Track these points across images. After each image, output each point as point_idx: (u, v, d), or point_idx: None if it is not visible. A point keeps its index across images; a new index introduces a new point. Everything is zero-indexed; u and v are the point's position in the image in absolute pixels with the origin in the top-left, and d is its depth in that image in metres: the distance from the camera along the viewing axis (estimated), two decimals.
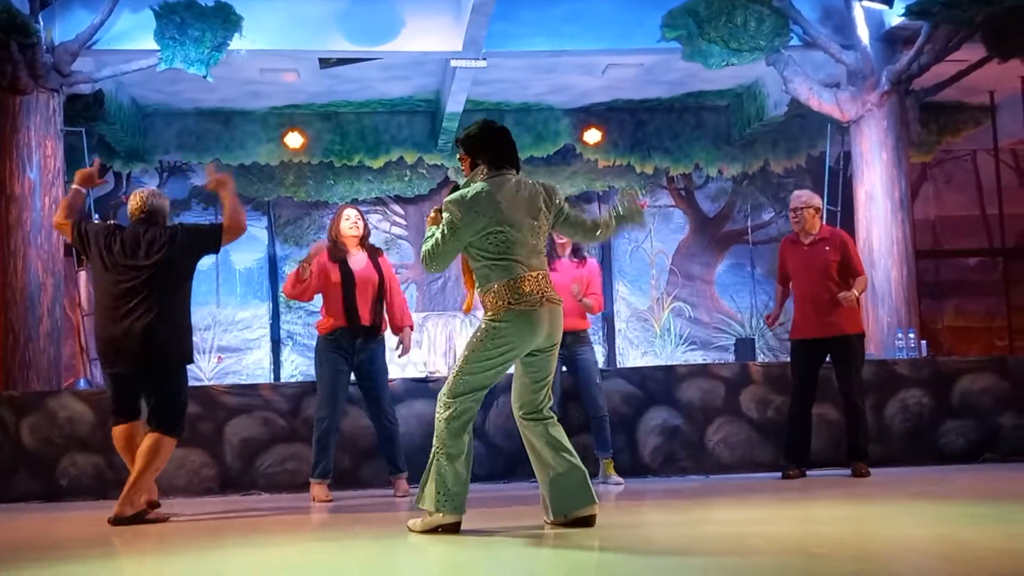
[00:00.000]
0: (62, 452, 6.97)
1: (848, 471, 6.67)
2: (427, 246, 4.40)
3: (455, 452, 4.35)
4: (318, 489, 6.31)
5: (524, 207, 4.38)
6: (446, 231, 4.33)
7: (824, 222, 7.19)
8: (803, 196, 6.96)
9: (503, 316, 4.29)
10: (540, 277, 4.36)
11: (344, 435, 6.85)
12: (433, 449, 4.39)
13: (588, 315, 6.89)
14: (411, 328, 6.70)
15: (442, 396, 4.41)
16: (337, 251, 6.48)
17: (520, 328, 4.29)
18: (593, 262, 6.99)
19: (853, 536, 3.99)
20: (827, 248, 6.79)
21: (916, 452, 7.40)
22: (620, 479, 6.74)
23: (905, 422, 7.47)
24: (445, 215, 4.34)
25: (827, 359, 6.83)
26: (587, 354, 6.80)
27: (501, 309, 4.29)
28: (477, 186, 4.35)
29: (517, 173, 4.48)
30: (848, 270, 6.80)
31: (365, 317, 6.41)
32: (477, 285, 4.42)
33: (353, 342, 6.39)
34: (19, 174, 8.84)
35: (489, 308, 4.34)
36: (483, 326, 4.35)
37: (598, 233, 4.65)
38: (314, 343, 6.69)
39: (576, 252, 6.90)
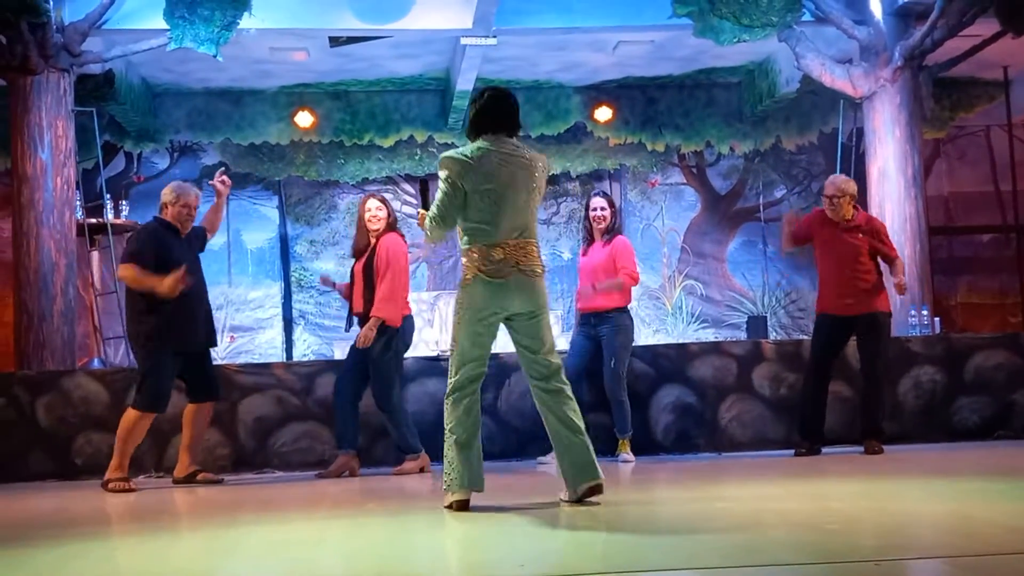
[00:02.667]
0: (77, 431, 7.01)
1: (860, 448, 6.66)
2: (431, 212, 4.44)
3: (459, 431, 4.39)
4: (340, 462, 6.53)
5: (517, 173, 4.42)
6: (445, 188, 4.38)
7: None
8: (838, 183, 6.78)
9: (472, 282, 4.37)
10: (517, 246, 4.38)
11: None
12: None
13: (622, 293, 6.74)
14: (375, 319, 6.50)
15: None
16: (361, 239, 6.72)
17: (487, 294, 4.36)
18: (621, 238, 6.92)
19: (866, 512, 3.99)
20: (860, 236, 6.72)
21: (929, 429, 7.39)
22: (631, 456, 6.75)
23: (918, 399, 7.46)
24: (442, 172, 4.40)
25: (850, 338, 6.79)
26: (609, 334, 6.66)
27: (470, 273, 4.38)
28: (472, 144, 4.45)
29: (513, 138, 4.50)
30: (882, 256, 6.78)
31: (359, 304, 6.61)
32: (461, 246, 4.48)
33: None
34: (31, 154, 8.85)
35: (464, 271, 4.44)
36: (457, 293, 4.46)
37: None
38: (326, 323, 6.86)
39: (608, 232, 6.85)
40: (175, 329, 6.08)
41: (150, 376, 6.04)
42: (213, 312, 6.51)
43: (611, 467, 6.38)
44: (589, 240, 6.92)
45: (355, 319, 6.67)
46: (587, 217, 6.90)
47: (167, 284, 5.92)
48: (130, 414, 6.04)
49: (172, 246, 6.16)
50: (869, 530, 3.48)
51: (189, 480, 6.30)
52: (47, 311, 8.71)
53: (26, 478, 6.89)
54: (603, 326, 6.71)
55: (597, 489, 4.35)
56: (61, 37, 8.91)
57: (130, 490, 5.96)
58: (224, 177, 6.56)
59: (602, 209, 6.83)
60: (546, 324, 4.47)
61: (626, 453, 6.76)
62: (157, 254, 6.07)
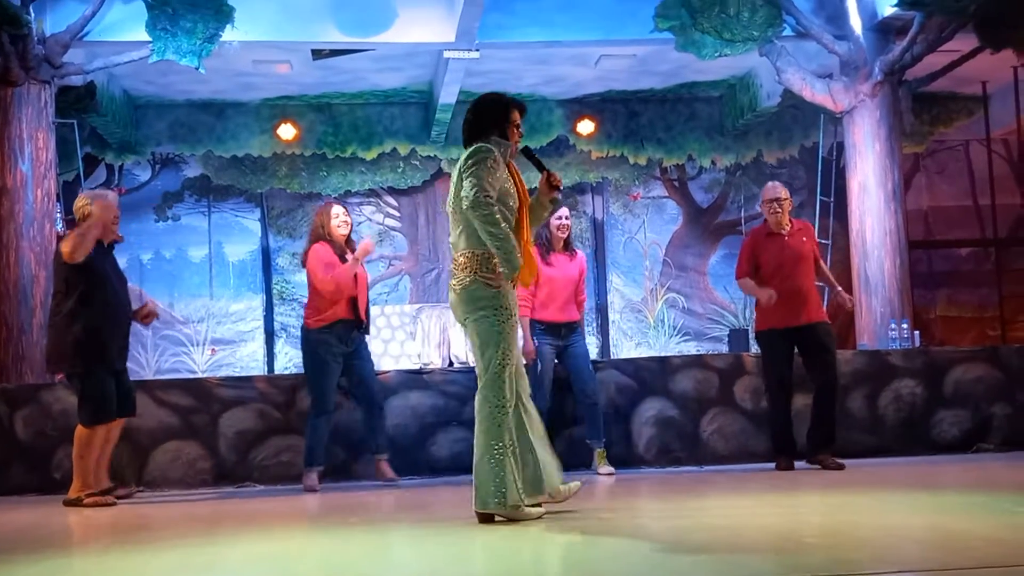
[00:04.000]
0: (56, 445, 6.95)
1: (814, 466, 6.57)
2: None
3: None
4: (309, 478, 6.51)
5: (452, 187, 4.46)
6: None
7: (818, 213, 7.19)
8: (779, 188, 6.87)
9: (504, 285, 4.30)
10: (454, 259, 4.43)
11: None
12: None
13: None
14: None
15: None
16: (336, 247, 6.62)
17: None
18: (582, 255, 7.02)
19: (846, 526, 4.00)
20: (804, 239, 6.78)
21: (909, 442, 7.42)
22: (611, 468, 6.74)
23: (898, 412, 7.49)
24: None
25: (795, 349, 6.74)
26: (581, 344, 6.85)
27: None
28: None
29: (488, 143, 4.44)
30: (817, 261, 6.86)
31: (363, 311, 6.61)
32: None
33: (350, 334, 6.52)
34: (11, 166, 8.81)
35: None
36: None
37: None
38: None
39: (567, 245, 6.89)
40: (109, 345, 6.02)
41: (89, 390, 5.99)
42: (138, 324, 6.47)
43: (591, 480, 6.38)
44: (547, 248, 6.77)
45: (359, 321, 6.64)
46: (548, 225, 6.73)
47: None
48: (80, 431, 5.98)
49: (98, 256, 6.05)
50: (849, 543, 3.49)
51: (107, 494, 6.14)
52: (26, 324, 8.66)
53: (5, 492, 6.83)
54: (574, 335, 6.81)
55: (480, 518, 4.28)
56: (42, 49, 8.88)
57: (111, 504, 5.91)
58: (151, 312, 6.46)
59: (567, 218, 6.85)
60: (471, 335, 4.37)
61: (605, 466, 6.73)
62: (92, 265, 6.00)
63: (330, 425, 6.57)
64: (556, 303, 6.70)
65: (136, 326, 6.41)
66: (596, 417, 6.76)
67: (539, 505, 4.38)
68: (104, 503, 5.91)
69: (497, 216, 4.22)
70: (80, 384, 6.02)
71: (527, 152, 4.67)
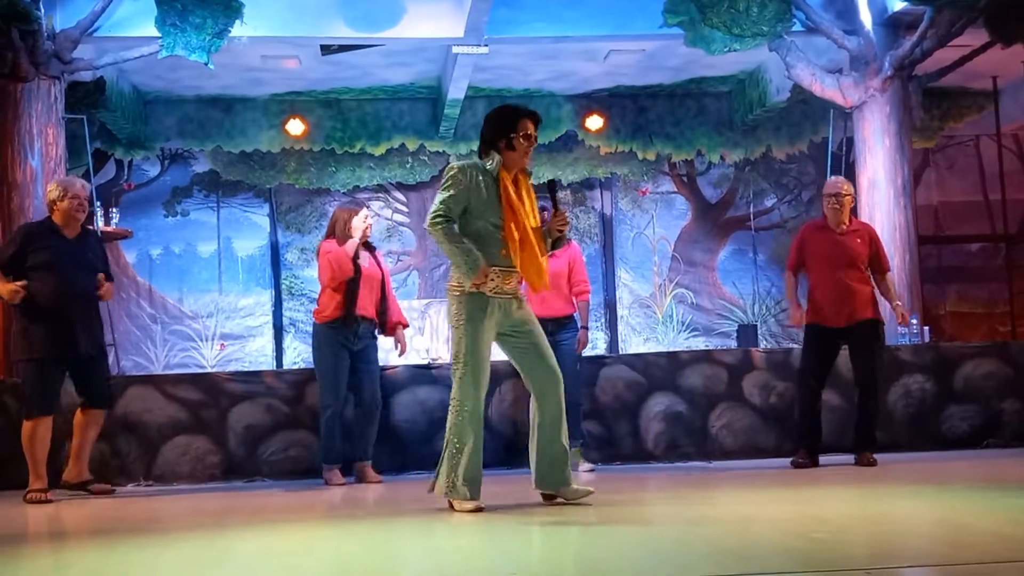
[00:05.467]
0: (64, 439, 6.96)
1: (849, 457, 6.62)
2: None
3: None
4: (332, 474, 6.47)
5: None
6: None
7: None
8: (841, 183, 6.70)
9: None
10: None
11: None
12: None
13: (573, 300, 6.81)
14: (406, 327, 6.80)
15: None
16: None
17: None
18: (576, 247, 6.97)
19: (855, 521, 4.00)
20: (859, 240, 6.63)
21: (919, 437, 7.41)
22: (591, 464, 6.72)
23: (908, 407, 7.48)
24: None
25: (841, 348, 6.70)
26: (569, 341, 6.68)
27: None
28: None
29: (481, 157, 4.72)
30: (876, 264, 6.70)
31: (369, 309, 6.59)
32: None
33: (356, 330, 6.49)
34: (20, 162, 8.83)
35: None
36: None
37: None
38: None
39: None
40: (49, 336, 5.96)
41: (27, 383, 6.03)
42: (106, 320, 6.52)
43: (575, 477, 6.38)
44: None
45: (364, 319, 6.60)
46: None
47: (6, 291, 5.90)
48: (24, 425, 6.01)
49: (52, 247, 6.02)
50: (859, 539, 3.48)
51: (80, 488, 6.24)
52: None
53: (13, 486, 6.84)
54: (563, 332, 6.67)
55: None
56: (52, 44, 8.90)
57: (47, 501, 5.89)
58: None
59: (546, 211, 6.79)
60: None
61: (583, 463, 6.72)
62: (28, 255, 5.97)
63: (340, 419, 6.54)
64: (537, 297, 6.62)
65: (142, 321, 6.42)
66: (573, 416, 6.71)
67: (480, 509, 4.51)
68: (40, 500, 5.87)
69: (443, 232, 4.55)
70: (22, 375, 6.11)
71: (551, 186, 4.89)
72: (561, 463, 4.67)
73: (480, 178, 4.59)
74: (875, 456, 6.49)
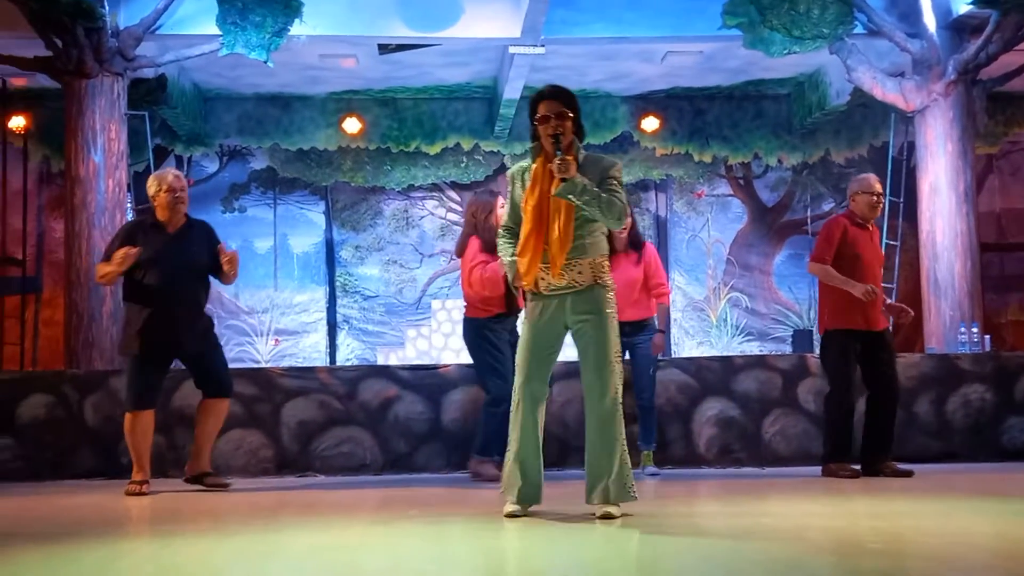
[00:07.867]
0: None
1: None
2: (619, 206, 4.45)
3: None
4: (486, 467, 6.30)
5: None
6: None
7: (887, 214, 6.96)
8: (876, 179, 6.54)
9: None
10: None
11: (399, 420, 6.92)
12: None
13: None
14: None
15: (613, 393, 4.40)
16: (486, 245, 6.28)
17: None
18: (650, 249, 6.87)
19: (911, 532, 3.94)
20: (877, 241, 6.59)
21: (977, 448, 7.28)
22: (655, 469, 6.68)
23: (967, 417, 7.34)
24: (619, 176, 4.57)
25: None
26: (646, 343, 6.66)
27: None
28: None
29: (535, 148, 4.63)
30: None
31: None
32: (593, 253, 4.47)
33: (513, 324, 6.34)
34: (84, 156, 9.00)
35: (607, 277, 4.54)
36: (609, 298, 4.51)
37: None
38: (370, 327, 6.69)
39: (634, 244, 6.75)
40: (147, 334, 5.89)
41: (127, 376, 6.07)
42: (211, 316, 6.29)
43: (637, 479, 6.34)
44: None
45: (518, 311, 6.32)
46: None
47: (110, 264, 5.82)
48: (125, 418, 6.06)
49: (152, 243, 5.92)
50: (914, 550, 3.43)
51: (196, 481, 6.21)
52: (96, 312, 8.84)
53: (73, 476, 6.98)
54: (639, 335, 6.65)
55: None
56: (116, 42, 9.06)
57: (141, 493, 5.87)
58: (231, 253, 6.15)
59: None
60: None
61: (650, 466, 6.69)
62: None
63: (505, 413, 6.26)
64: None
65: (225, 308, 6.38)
66: (647, 421, 6.69)
67: (523, 512, 4.40)
68: (134, 492, 5.86)
69: (500, 243, 4.69)
70: (125, 368, 6.16)
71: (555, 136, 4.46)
72: (594, 475, 4.39)
73: (519, 179, 4.55)
74: (911, 468, 6.26)
